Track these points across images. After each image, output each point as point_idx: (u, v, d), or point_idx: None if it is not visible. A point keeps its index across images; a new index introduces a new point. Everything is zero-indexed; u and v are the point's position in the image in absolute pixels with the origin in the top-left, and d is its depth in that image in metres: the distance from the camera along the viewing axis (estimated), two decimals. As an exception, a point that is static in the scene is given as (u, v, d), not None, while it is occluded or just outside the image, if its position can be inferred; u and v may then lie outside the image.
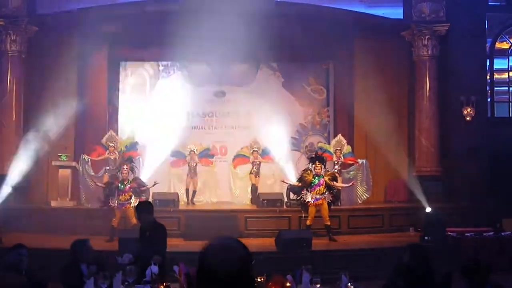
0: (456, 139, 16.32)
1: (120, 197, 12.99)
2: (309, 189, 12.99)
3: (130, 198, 13.02)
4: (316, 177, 12.98)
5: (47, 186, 15.87)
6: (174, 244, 12.30)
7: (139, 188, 13.31)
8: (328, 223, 13.07)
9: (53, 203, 14.87)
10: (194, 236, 13.00)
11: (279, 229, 12.92)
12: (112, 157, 15.43)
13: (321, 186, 12.93)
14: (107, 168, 15.31)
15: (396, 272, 6.14)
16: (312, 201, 12.89)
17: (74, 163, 15.34)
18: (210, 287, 2.57)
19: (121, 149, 15.68)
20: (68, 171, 15.17)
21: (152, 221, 7.86)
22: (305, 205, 13.08)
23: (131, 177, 13.30)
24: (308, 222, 12.91)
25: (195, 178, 16.09)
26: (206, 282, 2.58)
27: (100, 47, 16.84)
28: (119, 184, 13.07)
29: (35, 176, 16.19)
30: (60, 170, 15.16)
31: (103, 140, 15.84)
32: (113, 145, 15.64)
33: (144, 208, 8.07)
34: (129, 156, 14.64)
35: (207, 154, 16.54)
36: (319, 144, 17.17)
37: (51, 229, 13.54)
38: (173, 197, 14.88)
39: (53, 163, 15.34)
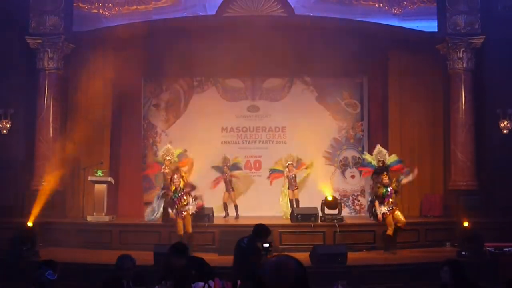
0: (492, 152, 16.08)
1: (177, 205, 12.99)
2: (382, 201, 13.20)
3: (187, 205, 13.01)
4: (385, 188, 13.22)
5: (83, 201, 16.01)
6: (209, 259, 12.30)
7: (192, 190, 13.26)
8: (403, 227, 13.25)
9: (89, 218, 14.98)
10: (229, 251, 12.99)
11: (313, 243, 12.83)
12: (167, 171, 14.71)
13: (392, 195, 13.23)
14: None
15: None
16: (387, 211, 13.09)
17: (109, 178, 15.46)
18: None
19: (174, 160, 15.46)
20: (104, 186, 15.27)
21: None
22: (376, 216, 13.27)
23: (181, 185, 13.15)
24: (389, 232, 13.10)
25: (231, 192, 16.07)
26: None
27: (134, 63, 17.04)
28: (173, 194, 13.04)
29: (71, 191, 16.44)
30: (96, 185, 15.28)
31: (160, 156, 15.37)
32: (170, 158, 15.04)
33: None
34: (176, 165, 14.52)
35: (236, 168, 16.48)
36: (364, 156, 16.44)
37: (87, 244, 13.68)
38: (208, 212, 14.83)
39: (89, 178, 15.45)
